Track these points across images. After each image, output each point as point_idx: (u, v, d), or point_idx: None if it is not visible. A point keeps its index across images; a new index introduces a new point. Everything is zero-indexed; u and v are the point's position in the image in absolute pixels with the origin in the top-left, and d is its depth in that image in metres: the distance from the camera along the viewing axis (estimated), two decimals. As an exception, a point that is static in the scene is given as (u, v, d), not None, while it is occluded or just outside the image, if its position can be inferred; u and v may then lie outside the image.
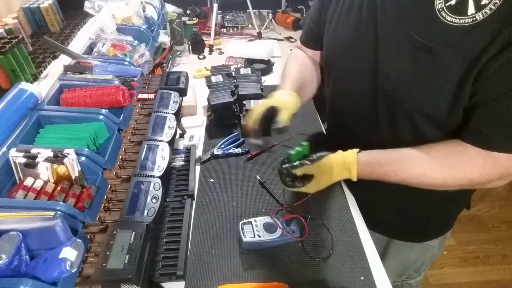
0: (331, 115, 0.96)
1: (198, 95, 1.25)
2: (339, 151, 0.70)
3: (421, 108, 0.67)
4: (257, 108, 0.75)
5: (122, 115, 0.67)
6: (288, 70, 0.89)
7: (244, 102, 1.10)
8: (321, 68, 0.93)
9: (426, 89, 0.64)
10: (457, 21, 0.57)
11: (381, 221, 0.93)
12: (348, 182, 0.93)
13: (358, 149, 0.70)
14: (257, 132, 0.74)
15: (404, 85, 0.66)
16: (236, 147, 1.05)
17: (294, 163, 0.69)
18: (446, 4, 0.57)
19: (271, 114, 0.74)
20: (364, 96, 0.75)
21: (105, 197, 0.67)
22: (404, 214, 0.89)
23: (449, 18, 0.57)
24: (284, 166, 0.70)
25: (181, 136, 1.08)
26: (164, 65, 1.38)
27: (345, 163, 0.68)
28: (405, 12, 0.63)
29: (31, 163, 0.51)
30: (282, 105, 0.75)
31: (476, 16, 0.55)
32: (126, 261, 0.55)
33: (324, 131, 1.14)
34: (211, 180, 0.96)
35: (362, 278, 0.73)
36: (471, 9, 0.55)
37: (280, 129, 0.73)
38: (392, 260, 1.00)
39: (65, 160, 0.50)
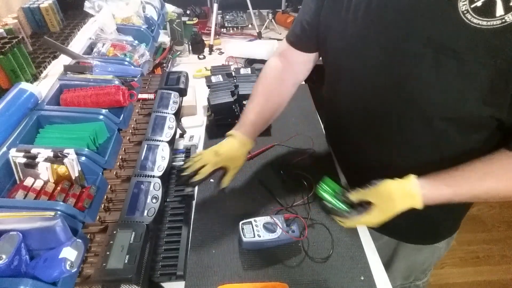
0: (334, 116, 0.94)
1: (198, 95, 1.25)
2: (395, 178, 0.67)
3: (444, 113, 0.64)
4: (205, 170, 0.77)
5: (122, 115, 0.67)
6: (250, 105, 0.87)
7: (244, 102, 1.09)
8: (317, 69, 0.92)
9: (451, 94, 0.61)
10: (484, 23, 0.53)
11: (391, 224, 0.92)
12: (351, 182, 0.93)
13: (413, 175, 0.66)
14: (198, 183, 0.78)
15: (425, 90, 0.63)
16: (236, 147, 1.05)
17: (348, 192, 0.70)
18: (471, 6, 0.54)
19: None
20: (376, 101, 0.72)
21: (105, 197, 0.67)
22: (415, 217, 0.88)
23: (474, 21, 0.54)
24: (339, 194, 0.71)
25: (181, 136, 1.08)
26: (164, 65, 1.38)
27: (405, 187, 0.64)
28: (424, 15, 0.59)
29: (31, 163, 0.51)
30: (230, 164, 0.79)
31: (506, 18, 0.51)
32: (126, 261, 0.55)
33: (324, 131, 1.14)
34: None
35: (362, 278, 0.73)
36: (499, 10, 0.52)
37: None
38: (400, 263, 1.00)
39: (65, 160, 0.50)
